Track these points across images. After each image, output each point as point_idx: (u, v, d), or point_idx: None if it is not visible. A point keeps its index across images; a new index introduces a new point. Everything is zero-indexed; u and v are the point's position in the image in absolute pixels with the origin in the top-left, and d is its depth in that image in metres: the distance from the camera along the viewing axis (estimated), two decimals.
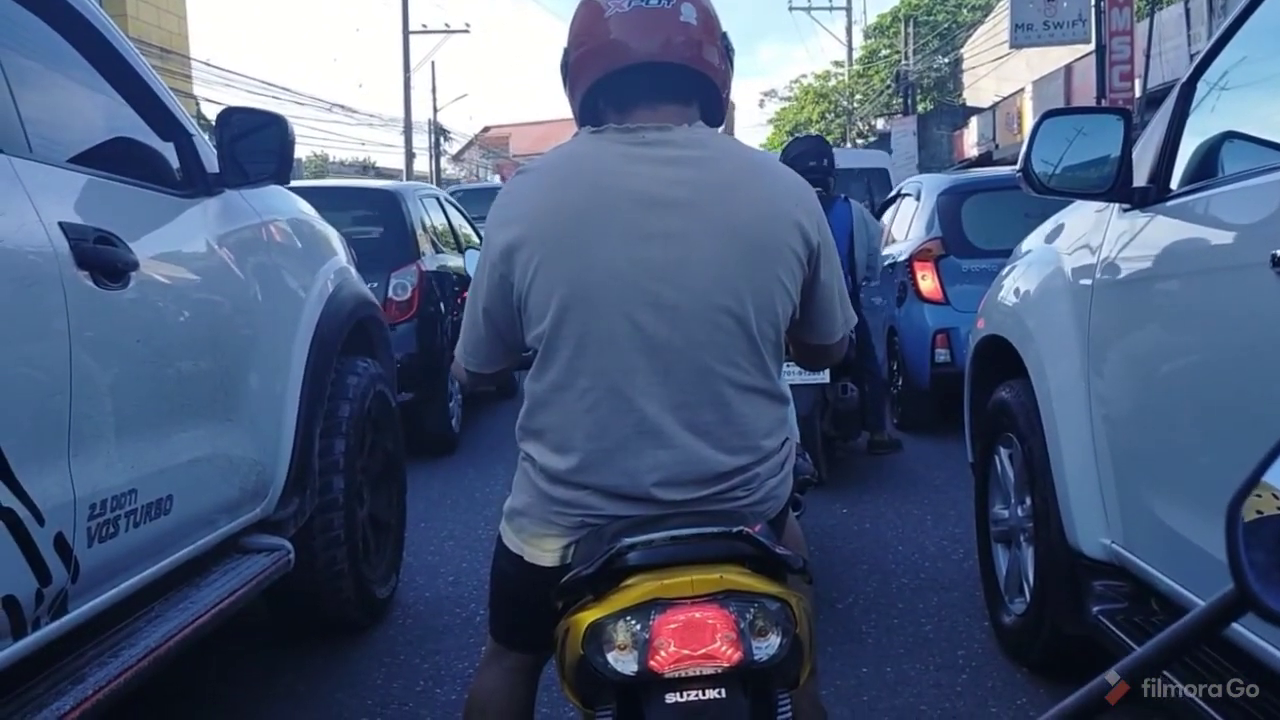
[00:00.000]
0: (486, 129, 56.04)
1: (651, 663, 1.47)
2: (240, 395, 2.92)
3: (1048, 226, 3.34)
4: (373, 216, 7.02)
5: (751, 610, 1.50)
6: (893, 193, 8.59)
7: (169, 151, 2.92)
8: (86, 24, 2.60)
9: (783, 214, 1.68)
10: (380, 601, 3.76)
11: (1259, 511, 0.68)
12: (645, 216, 1.63)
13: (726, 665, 1.47)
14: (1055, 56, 21.23)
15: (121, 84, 2.77)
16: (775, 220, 1.67)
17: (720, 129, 1.80)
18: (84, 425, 2.10)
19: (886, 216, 7.97)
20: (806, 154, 5.01)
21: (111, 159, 2.63)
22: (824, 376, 4.61)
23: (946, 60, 36.84)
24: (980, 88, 30.33)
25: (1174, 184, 2.47)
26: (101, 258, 2.19)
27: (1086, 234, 2.84)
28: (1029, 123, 21.21)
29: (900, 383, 6.91)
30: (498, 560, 1.80)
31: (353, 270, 3.89)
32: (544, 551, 1.69)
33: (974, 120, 27.34)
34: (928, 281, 6.51)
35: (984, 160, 24.55)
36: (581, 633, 1.51)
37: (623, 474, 1.63)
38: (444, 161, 33.60)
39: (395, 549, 4.03)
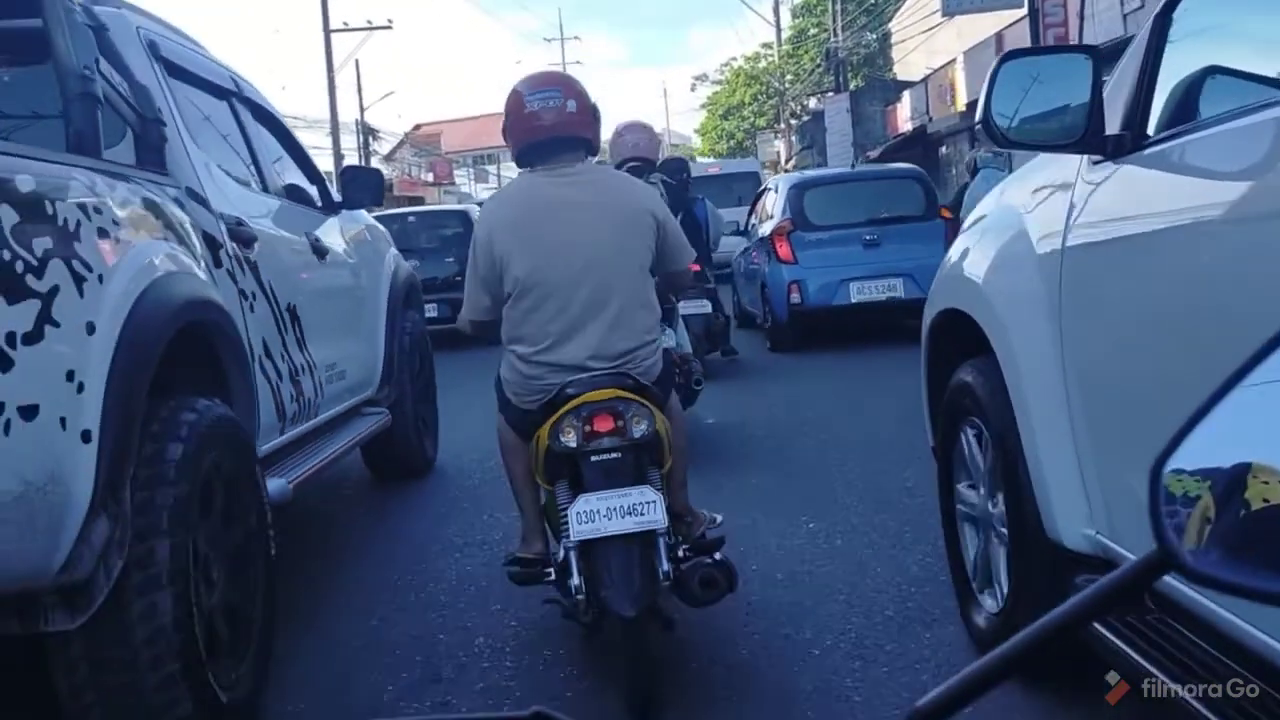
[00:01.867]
0: (417, 126, 55.54)
1: (585, 439, 2.70)
2: (362, 320, 5.23)
3: (1007, 185, 3.05)
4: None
5: (632, 409, 2.74)
6: (761, 188, 12.55)
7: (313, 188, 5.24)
8: (276, 120, 4.90)
9: (640, 205, 3.04)
10: (432, 460, 6.12)
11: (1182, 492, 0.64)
12: (564, 211, 2.95)
13: (622, 439, 2.72)
14: (985, 25, 20.37)
15: (292, 152, 5.07)
16: (637, 209, 3.02)
17: (596, 158, 3.30)
18: (320, 328, 4.41)
19: (761, 204, 11.57)
20: (672, 170, 7.20)
21: (296, 194, 4.95)
22: (708, 307, 7.33)
23: (875, 36, 35.64)
24: (910, 61, 29.51)
25: (1151, 130, 2.20)
26: (318, 246, 4.50)
27: (1053, 191, 2.56)
28: (963, 94, 20.29)
29: (770, 320, 10.22)
30: (501, 399, 3.12)
31: (400, 256, 6.20)
32: (523, 402, 3.01)
33: (906, 95, 26.78)
34: (783, 248, 9.93)
35: (919, 134, 25.05)
36: (546, 432, 2.80)
37: (565, 354, 2.88)
38: (376, 161, 32.81)
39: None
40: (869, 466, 5.39)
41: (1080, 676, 2.12)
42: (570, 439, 2.79)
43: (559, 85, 3.12)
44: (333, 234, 5.03)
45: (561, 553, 2.82)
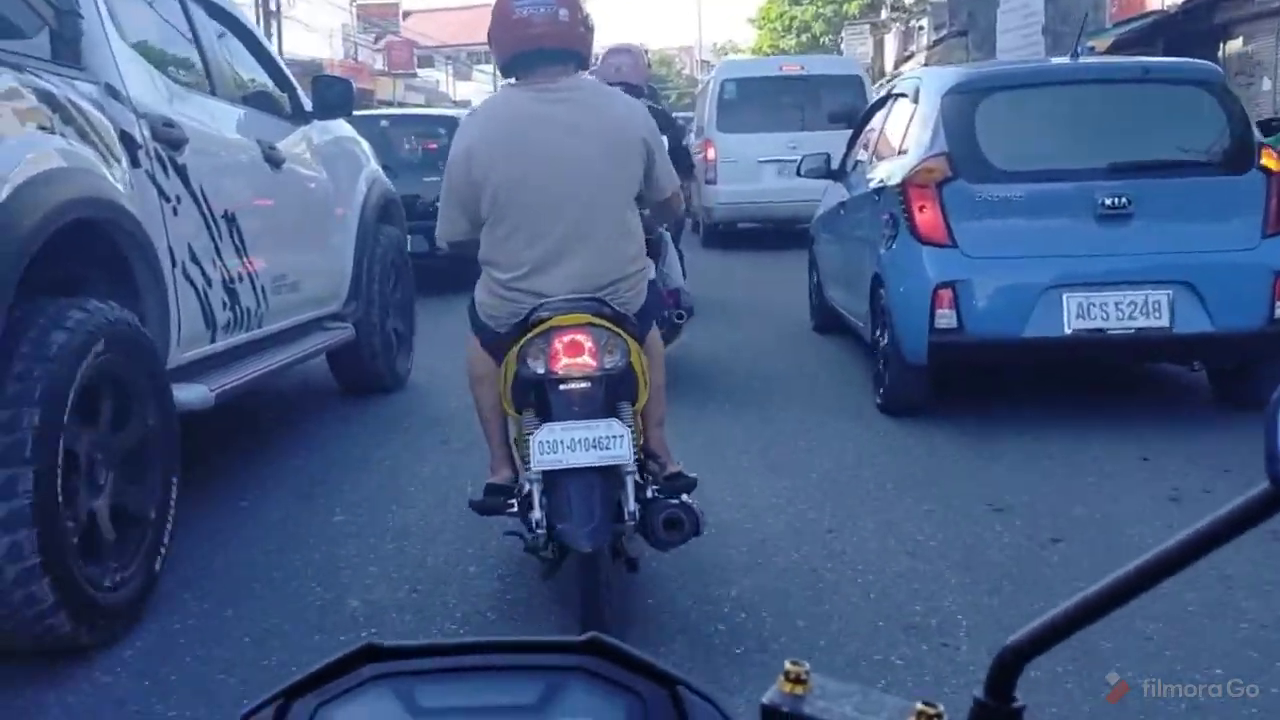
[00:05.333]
0: (407, 15, 44.30)
1: (552, 365, 2.58)
2: (327, 233, 5.20)
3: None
4: None
5: (605, 338, 2.60)
6: (876, 100, 6.91)
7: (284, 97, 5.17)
8: (242, 25, 4.83)
9: (630, 126, 2.86)
10: (403, 377, 6.09)
11: None
12: (548, 131, 2.80)
13: (592, 369, 2.58)
14: None
15: (260, 58, 5.00)
16: (626, 129, 2.85)
17: (590, 71, 3.31)
18: (268, 236, 4.37)
19: (876, 128, 6.33)
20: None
21: (261, 101, 4.88)
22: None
23: None
24: None
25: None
26: (272, 156, 4.45)
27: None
28: None
29: (888, 355, 5.07)
30: (474, 320, 3.00)
31: (380, 171, 6.13)
32: (497, 325, 2.89)
33: None
34: (927, 214, 4.80)
35: (1182, 17, 13.90)
36: (514, 355, 2.68)
37: (544, 283, 2.76)
38: (290, 29, 24.47)
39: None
40: (879, 441, 4.97)
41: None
42: (538, 364, 2.68)
43: None
44: (297, 144, 4.97)
45: (525, 485, 2.71)
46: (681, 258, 6.23)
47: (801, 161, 6.88)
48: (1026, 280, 4.69)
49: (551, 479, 2.60)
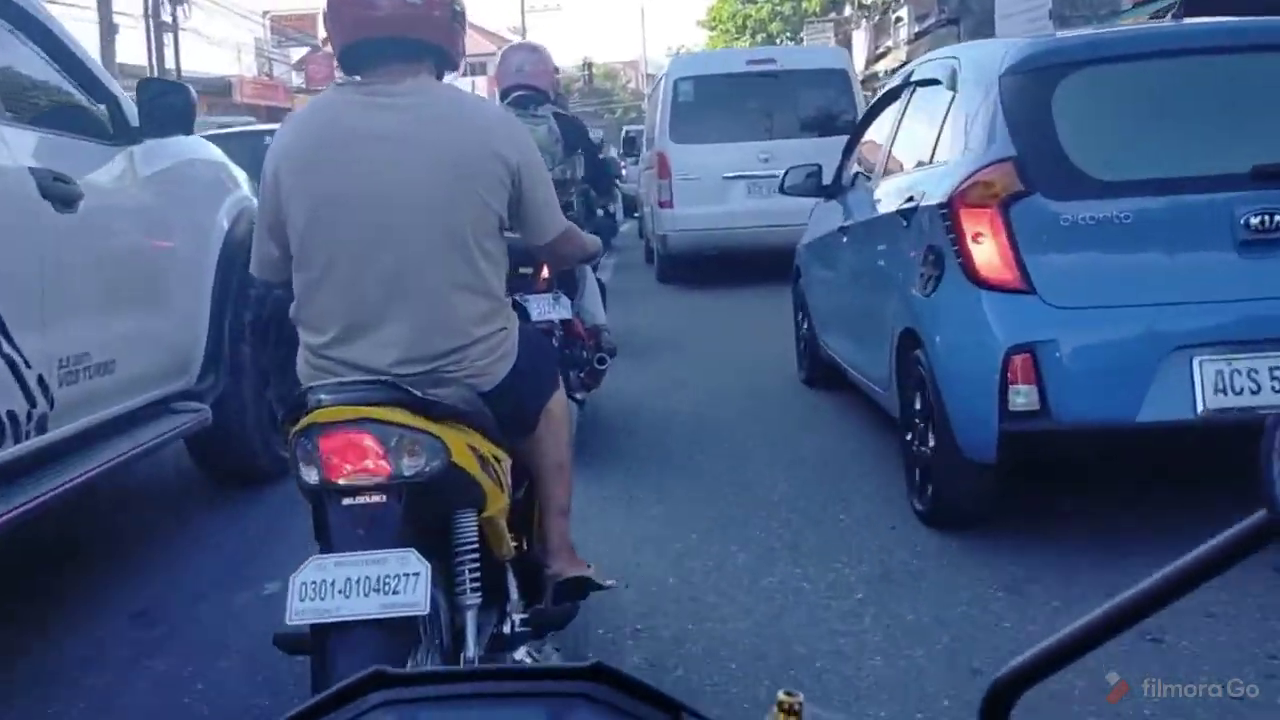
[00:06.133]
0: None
1: (326, 473, 1.96)
2: (166, 292, 3.94)
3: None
4: None
5: (396, 437, 1.97)
6: (885, 89, 5.27)
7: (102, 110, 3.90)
8: (37, 22, 3.56)
9: (483, 144, 2.21)
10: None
11: None
12: (367, 148, 2.18)
13: (383, 477, 1.96)
14: None
15: (65, 64, 3.73)
16: (476, 150, 2.20)
17: (456, 74, 2.43)
18: (52, 305, 3.12)
19: (881, 126, 4.92)
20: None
21: (62, 118, 3.61)
22: (565, 310, 4.66)
23: None
24: None
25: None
26: (57, 192, 3.19)
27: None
28: None
29: (931, 443, 3.62)
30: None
31: (254, 200, 4.88)
32: None
33: None
34: (988, 246, 3.38)
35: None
36: (290, 454, 2.06)
37: (357, 352, 2.18)
38: (187, 41, 21.42)
39: None
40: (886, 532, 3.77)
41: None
42: (310, 472, 2.00)
43: None
44: (111, 172, 3.72)
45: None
46: (603, 289, 5.43)
47: (785, 175, 5.40)
48: (1140, 339, 3.25)
49: (320, 636, 1.91)
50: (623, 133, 20.38)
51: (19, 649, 3.11)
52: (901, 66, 23.79)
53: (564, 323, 4.65)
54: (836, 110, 10.36)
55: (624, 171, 14.61)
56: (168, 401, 4.03)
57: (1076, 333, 3.29)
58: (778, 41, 30.95)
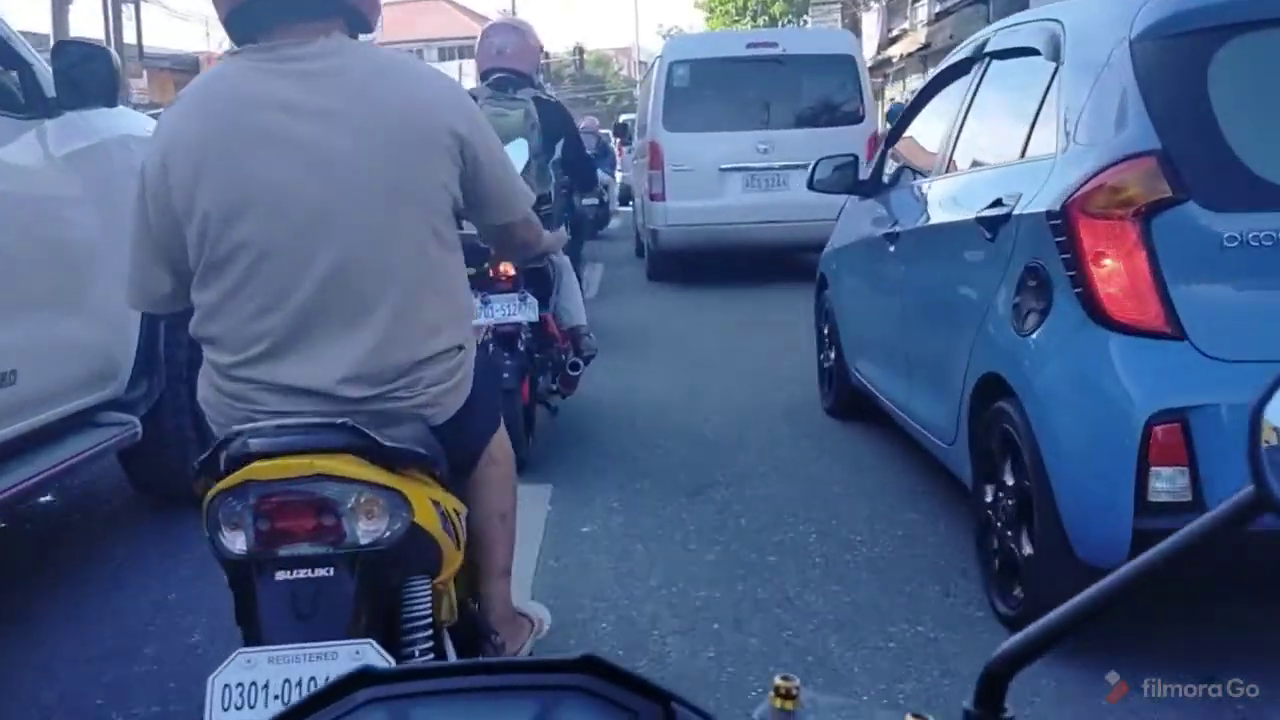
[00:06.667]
0: None
1: (260, 542, 1.59)
2: (85, 290, 3.40)
3: None
4: None
5: (355, 495, 1.62)
6: (950, 59, 4.16)
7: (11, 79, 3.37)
8: None
9: (428, 112, 1.81)
10: None
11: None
12: (289, 126, 1.74)
13: (332, 545, 1.60)
14: None
15: None
16: (418, 117, 1.79)
17: (373, 36, 2.02)
18: None
19: (936, 112, 4.12)
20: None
21: None
22: (531, 313, 4.23)
23: None
24: None
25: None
26: None
27: None
28: None
29: (1026, 534, 2.76)
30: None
31: None
32: (222, 434, 1.77)
33: None
34: (1119, 270, 2.56)
35: None
36: (204, 513, 1.65)
37: (291, 370, 1.75)
38: (151, 18, 17.70)
39: None
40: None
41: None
42: (236, 537, 1.62)
43: None
44: (15, 149, 3.21)
45: None
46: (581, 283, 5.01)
47: (814, 168, 4.62)
48: None
49: None
50: (614, 120, 19.73)
51: None
52: (920, 50, 21.43)
53: (533, 325, 4.29)
54: (843, 99, 9.68)
55: (620, 159, 13.95)
56: (92, 413, 3.53)
57: (1244, 396, 2.37)
58: (781, 25, 28.89)
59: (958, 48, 4.13)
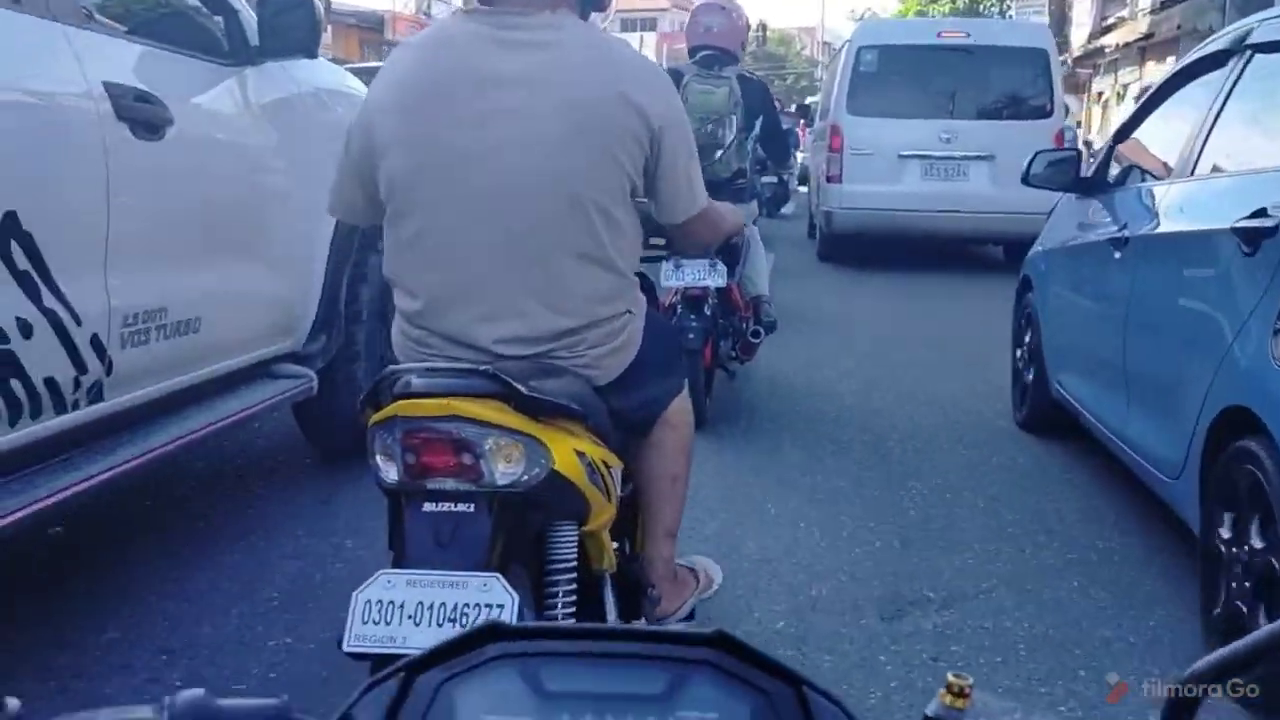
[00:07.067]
0: None
1: (407, 472, 1.70)
2: (272, 242, 3.39)
3: None
4: None
5: (491, 438, 1.70)
6: (1196, 53, 3.75)
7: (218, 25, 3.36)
8: None
9: (621, 96, 1.86)
10: None
11: None
12: (487, 94, 1.84)
13: (473, 483, 1.70)
14: None
15: None
16: (613, 101, 1.85)
17: (607, 15, 2.13)
18: (119, 250, 2.59)
19: (1178, 109, 3.76)
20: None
21: (167, 32, 3.09)
22: (720, 279, 4.41)
23: None
24: None
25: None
26: (138, 113, 2.65)
27: None
28: None
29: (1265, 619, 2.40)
30: None
31: None
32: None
33: None
34: None
35: None
36: (368, 443, 1.78)
37: (456, 323, 1.88)
38: None
39: None
40: None
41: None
42: (390, 469, 1.73)
43: None
44: (216, 96, 3.20)
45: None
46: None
47: (1032, 161, 4.23)
48: None
49: (383, 669, 1.18)
50: (794, 100, 19.35)
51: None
52: (1140, 40, 19.68)
53: (720, 290, 4.53)
54: (1032, 93, 9.56)
55: (803, 140, 13.85)
56: (269, 364, 3.53)
57: None
58: (981, 9, 27.35)
59: (1209, 39, 3.67)
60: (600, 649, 0.61)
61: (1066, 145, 8.15)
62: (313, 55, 3.53)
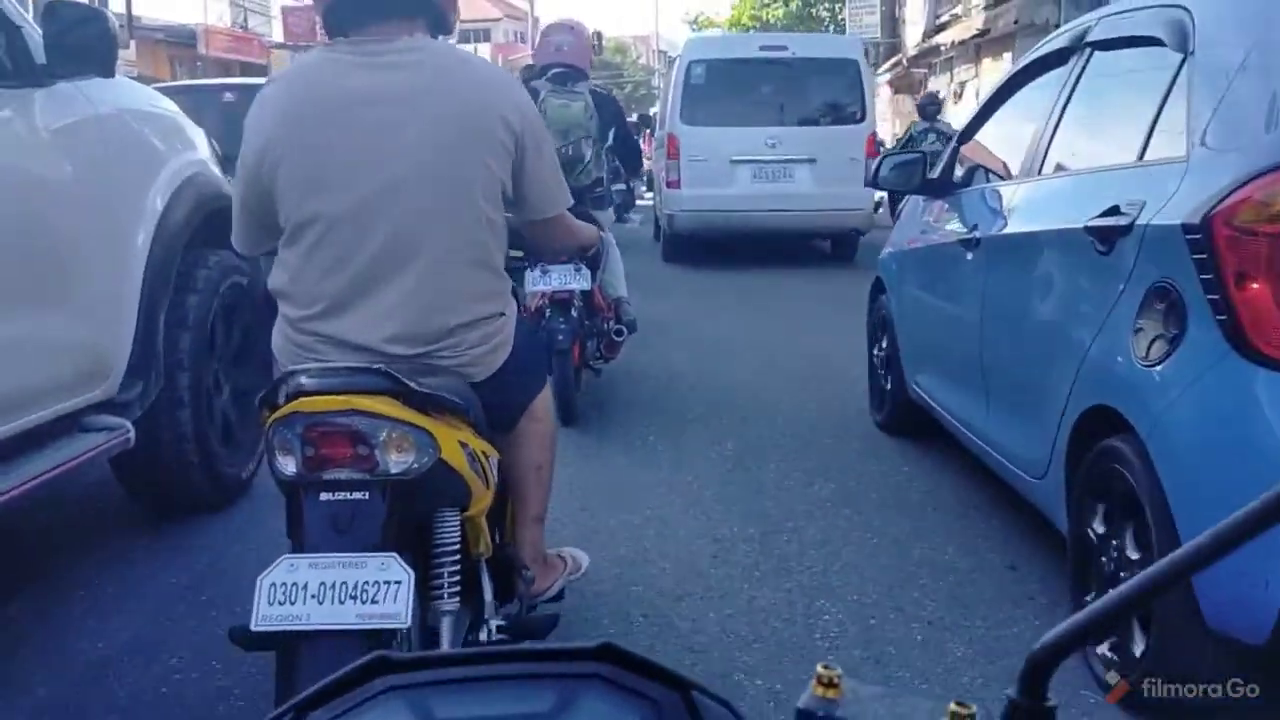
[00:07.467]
0: None
1: (306, 465, 1.86)
2: (73, 282, 3.06)
3: None
4: None
5: (385, 431, 1.87)
6: (1038, 49, 3.70)
7: None
8: None
9: (486, 105, 2.11)
10: (243, 482, 3.95)
11: None
12: (364, 113, 2.06)
13: (367, 473, 1.86)
14: None
15: None
16: (479, 111, 2.10)
17: (450, 37, 2.29)
18: None
19: (1023, 107, 3.72)
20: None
21: None
22: (585, 281, 4.72)
23: None
24: None
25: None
26: None
27: None
28: None
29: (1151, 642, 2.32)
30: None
31: (213, 165, 3.99)
32: None
33: None
34: (1269, 303, 2.15)
35: None
36: (264, 440, 1.97)
37: (348, 325, 2.07)
38: None
39: None
40: None
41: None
42: (288, 462, 1.88)
43: None
44: (3, 123, 2.84)
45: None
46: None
47: (878, 165, 4.25)
48: None
49: (288, 648, 1.80)
50: (634, 111, 20.06)
51: None
52: (975, 38, 19.85)
53: (584, 294, 4.80)
54: (847, 100, 10.53)
55: (646, 149, 14.44)
56: (79, 417, 3.18)
57: None
58: (814, 10, 28.50)
59: (1048, 37, 3.70)
60: (488, 672, 0.61)
61: (875, 148, 9.82)
62: (110, 74, 3.21)
